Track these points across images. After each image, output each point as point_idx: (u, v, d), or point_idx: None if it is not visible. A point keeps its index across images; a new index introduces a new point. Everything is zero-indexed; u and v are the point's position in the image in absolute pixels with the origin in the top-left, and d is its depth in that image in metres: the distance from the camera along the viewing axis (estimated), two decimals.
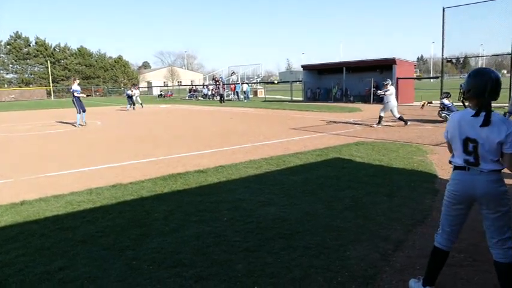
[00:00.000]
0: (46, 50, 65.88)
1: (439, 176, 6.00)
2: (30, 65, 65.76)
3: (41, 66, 65.31)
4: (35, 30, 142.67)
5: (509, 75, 18.17)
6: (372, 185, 5.57)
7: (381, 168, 6.66)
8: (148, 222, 4.31)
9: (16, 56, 64.16)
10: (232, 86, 35.04)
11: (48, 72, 61.78)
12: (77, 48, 69.93)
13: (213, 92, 37.42)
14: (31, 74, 65.70)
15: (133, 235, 3.95)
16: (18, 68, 65.47)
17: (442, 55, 18.71)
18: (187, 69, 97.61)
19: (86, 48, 70.35)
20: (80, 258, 3.48)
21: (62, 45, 68.87)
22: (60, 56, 67.15)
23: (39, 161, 8.26)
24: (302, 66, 30.91)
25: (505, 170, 2.47)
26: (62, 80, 65.93)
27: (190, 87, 47.28)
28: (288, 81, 38.68)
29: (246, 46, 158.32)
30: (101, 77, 69.07)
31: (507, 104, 9.59)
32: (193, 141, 10.38)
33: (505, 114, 17.69)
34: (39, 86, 61.45)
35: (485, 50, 20.85)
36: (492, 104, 2.44)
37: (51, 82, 60.77)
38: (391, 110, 12.29)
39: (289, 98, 30.85)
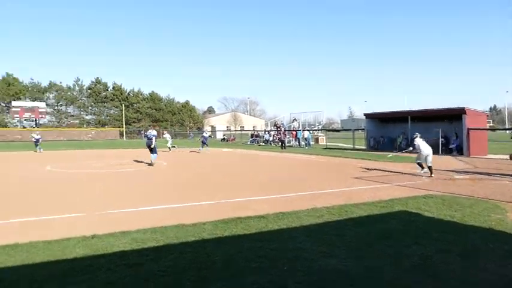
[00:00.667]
0: (121, 94, 71.62)
1: None
2: (107, 108, 71.58)
3: (116, 109, 70.78)
4: (113, 76, 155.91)
5: None
6: (443, 242, 5.19)
7: (453, 224, 6.21)
8: (209, 265, 4.32)
9: (95, 99, 70.34)
10: (294, 133, 35.28)
11: (122, 115, 66.65)
12: (149, 93, 75.17)
13: (274, 138, 37.97)
14: (107, 116, 71.32)
15: (194, 277, 3.97)
16: (97, 110, 71.52)
17: None
18: (250, 114, 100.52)
19: (156, 93, 75.44)
20: None
21: (136, 90, 74.54)
22: (133, 100, 72.45)
23: (109, 198, 8.75)
24: (365, 114, 30.51)
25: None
26: (134, 122, 70.72)
27: (252, 132, 48.38)
28: (350, 129, 38.25)
29: (308, 93, 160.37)
30: (168, 120, 73.08)
31: None
32: (254, 186, 10.46)
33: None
34: (113, 127, 66.23)
35: None
36: None
37: (124, 124, 65.30)
38: (425, 158, 12.40)
39: (351, 145, 30.33)
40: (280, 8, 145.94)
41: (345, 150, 27.12)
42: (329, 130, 49.02)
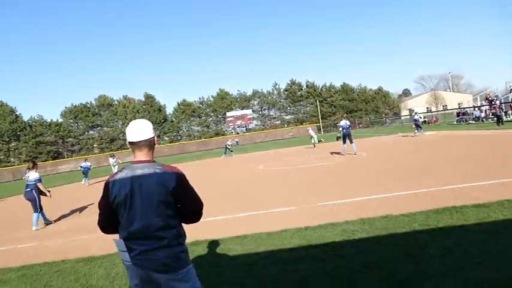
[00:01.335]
0: (315, 91, 74.66)
1: None
2: (303, 106, 75.80)
3: (311, 105, 74.25)
4: (306, 75, 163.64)
5: None
6: None
7: None
8: (424, 258, 4.13)
9: (292, 100, 75.41)
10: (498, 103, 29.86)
11: (317, 111, 69.42)
12: (340, 86, 75.93)
13: (487, 114, 32.91)
14: (304, 114, 75.51)
15: (408, 270, 3.86)
16: (294, 109, 76.60)
17: None
18: (453, 91, 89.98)
19: (348, 85, 75.57)
20: (359, 286, 3.66)
21: (327, 84, 76.39)
22: (326, 95, 74.53)
23: (315, 191, 9.27)
24: None
25: None
26: (329, 116, 72.71)
27: (458, 110, 43.20)
28: None
29: None
30: (363, 110, 72.22)
31: None
32: (469, 171, 9.34)
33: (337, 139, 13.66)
34: (310, 123, 69.60)
35: None
36: None
37: (320, 119, 67.86)
38: None
39: None
40: None
41: None
42: None
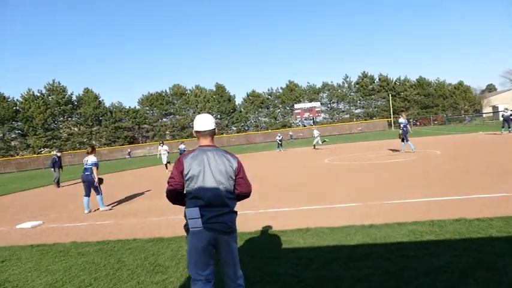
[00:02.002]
0: (388, 84, 71.65)
1: None
2: (374, 100, 73.17)
3: (383, 100, 71.46)
4: (379, 68, 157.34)
5: None
6: None
7: None
8: (498, 266, 3.83)
9: (363, 93, 73.12)
10: None
11: (389, 105, 66.60)
12: (416, 79, 72.05)
13: None
14: (375, 108, 72.90)
15: (480, 278, 3.60)
16: (365, 103, 74.25)
17: None
18: None
19: (424, 78, 71.48)
20: None
21: (402, 78, 72.88)
22: (400, 89, 71.24)
23: (383, 188, 8.95)
24: None
25: None
26: (402, 110, 69.40)
27: None
28: None
29: None
30: (439, 105, 68.00)
31: None
32: None
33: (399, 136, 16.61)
34: (381, 118, 67.06)
35: None
36: None
37: (391, 114, 65.08)
38: None
39: None
40: None
41: None
42: None
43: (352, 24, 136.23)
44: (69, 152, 58.81)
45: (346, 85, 75.10)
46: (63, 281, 4.64)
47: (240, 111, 75.35)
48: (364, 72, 74.17)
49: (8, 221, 9.55)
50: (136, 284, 4.31)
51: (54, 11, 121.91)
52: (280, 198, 9.07)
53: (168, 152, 21.30)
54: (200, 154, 3.08)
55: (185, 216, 3.02)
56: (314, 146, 29.43)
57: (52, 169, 18.20)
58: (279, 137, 32.72)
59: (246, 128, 75.59)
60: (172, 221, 7.55)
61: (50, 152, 60.69)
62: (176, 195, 3.10)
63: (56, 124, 65.88)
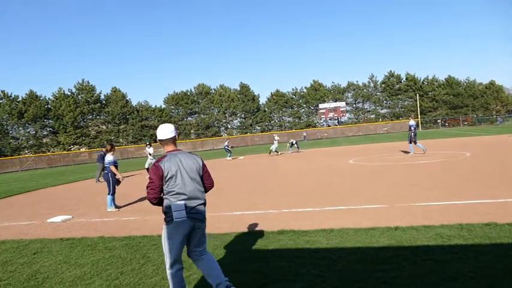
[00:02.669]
0: (415, 84, 70.00)
1: None
2: (401, 100, 71.65)
3: (410, 99, 69.92)
4: (406, 67, 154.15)
5: None
6: None
7: None
8: None
9: (389, 93, 71.74)
10: None
11: (416, 105, 65.13)
12: (445, 79, 70.19)
13: None
14: (401, 108, 71.42)
15: (510, 286, 3.49)
16: (391, 103, 72.83)
17: None
18: None
19: (453, 78, 69.54)
20: None
21: (430, 77, 71.12)
22: (428, 89, 69.56)
23: (408, 190, 8.77)
24: None
25: None
26: (429, 111, 67.85)
27: None
28: None
29: None
30: (469, 106, 66.04)
31: None
32: None
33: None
34: (407, 119, 65.61)
35: None
36: None
37: (419, 114, 63.63)
38: None
39: None
40: None
41: None
42: None
43: (378, 23, 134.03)
44: (98, 149, 60.24)
45: (372, 85, 73.87)
46: (91, 274, 4.77)
47: (264, 111, 75.33)
48: (391, 71, 72.76)
49: (40, 215, 9.91)
50: (161, 280, 4.38)
51: (83, 12, 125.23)
52: (304, 198, 9.03)
53: (152, 156, 18.18)
54: (172, 157, 3.63)
55: (167, 210, 3.58)
56: (270, 152, 28.32)
57: (98, 163, 18.51)
58: (292, 140, 30.22)
59: (270, 128, 75.50)
60: None
61: (79, 149, 62.42)
62: (158, 197, 3.62)
63: (85, 122, 67.58)
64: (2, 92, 61.70)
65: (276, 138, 29.08)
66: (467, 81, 69.70)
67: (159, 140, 3.78)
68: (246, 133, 69.94)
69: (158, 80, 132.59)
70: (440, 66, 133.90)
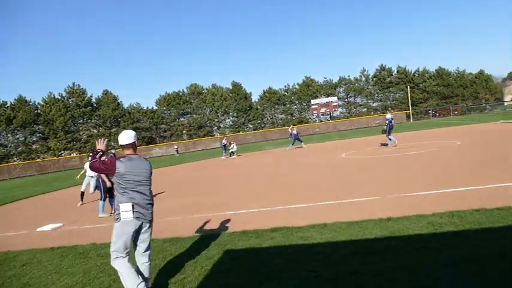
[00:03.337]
0: (406, 76, 70.31)
1: None
2: (392, 92, 71.95)
3: (401, 92, 70.20)
4: (397, 60, 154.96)
5: None
6: None
7: None
8: None
9: (381, 86, 72.01)
10: None
11: (407, 97, 65.43)
12: (435, 70, 70.55)
13: None
14: (392, 100, 71.72)
15: (502, 269, 3.51)
16: (382, 96, 73.08)
17: None
18: None
19: (444, 69, 69.93)
20: (445, 282, 3.43)
21: (421, 69, 71.45)
22: (419, 81, 69.89)
23: (400, 181, 8.81)
24: None
25: None
26: (420, 102, 68.24)
27: None
28: None
29: None
30: (459, 95, 66.50)
31: None
32: None
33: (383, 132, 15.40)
34: (399, 111, 65.95)
35: None
36: None
37: (410, 106, 63.95)
38: None
39: None
40: None
41: None
42: None
43: (368, 17, 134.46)
44: (89, 154, 59.76)
45: (363, 79, 74.05)
46: (83, 283, 4.70)
47: (257, 109, 75.25)
48: (382, 65, 73.00)
49: (29, 224, 9.73)
50: (155, 285, 4.35)
51: (70, 16, 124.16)
52: (297, 194, 9.03)
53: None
54: (129, 160, 3.98)
55: (117, 208, 3.92)
56: (230, 154, 28.36)
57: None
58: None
59: (262, 126, 75.45)
60: (189, 220, 7.60)
61: (70, 155, 61.90)
62: (103, 172, 4.53)
63: (75, 126, 67.01)
64: None
65: (225, 141, 29.80)
66: (457, 71, 70.13)
67: (120, 145, 4.08)
68: (239, 132, 69.83)
69: (150, 81, 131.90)
70: (432, 58, 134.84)
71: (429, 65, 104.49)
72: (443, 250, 4.14)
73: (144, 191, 4.02)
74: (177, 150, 55.48)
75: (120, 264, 3.87)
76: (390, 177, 9.62)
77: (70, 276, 5.01)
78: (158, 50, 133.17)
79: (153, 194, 12.02)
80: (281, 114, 76.04)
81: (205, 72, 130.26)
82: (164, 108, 74.06)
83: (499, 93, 68.65)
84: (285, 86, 76.46)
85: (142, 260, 4.10)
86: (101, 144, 4.41)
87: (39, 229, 8.77)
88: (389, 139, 18.73)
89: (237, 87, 74.52)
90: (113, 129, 68.06)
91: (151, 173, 4.18)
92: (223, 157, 28.43)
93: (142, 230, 4.02)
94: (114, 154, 8.33)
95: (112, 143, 65.91)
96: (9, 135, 62.11)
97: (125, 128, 67.15)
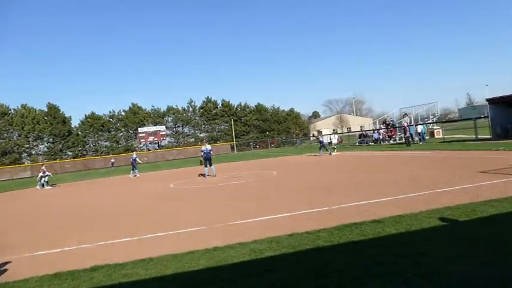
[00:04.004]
0: (230, 109, 75.58)
1: None
2: (218, 124, 76.11)
3: (226, 124, 74.88)
4: (222, 94, 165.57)
5: None
6: None
7: None
8: (326, 273, 4.28)
9: (207, 118, 75.36)
10: (405, 128, 33.24)
11: (231, 129, 70.18)
12: (255, 106, 77.88)
13: (384, 136, 36.37)
14: (218, 132, 75.80)
15: (312, 286, 3.96)
16: (209, 127, 76.54)
17: None
18: (356, 114, 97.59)
19: (262, 105, 77.82)
20: None
21: (243, 104, 77.85)
22: (241, 114, 75.84)
23: (227, 210, 9.23)
24: (487, 99, 27.31)
25: None
26: (243, 135, 73.96)
27: (360, 132, 46.83)
28: (471, 118, 34.69)
29: (418, 84, 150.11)
30: (275, 130, 74.70)
31: None
32: (367, 189, 10.08)
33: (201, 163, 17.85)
34: (224, 142, 70.01)
35: None
36: None
37: (234, 137, 68.67)
38: None
39: (474, 136, 27.44)
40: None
41: (466, 142, 24.67)
42: (445, 122, 45.11)
43: (195, 50, 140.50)
44: None
45: (191, 109, 76.37)
46: None
47: (77, 135, 69.15)
48: (208, 97, 76.86)
49: None
50: None
51: None
52: (121, 228, 8.50)
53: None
54: None
55: None
56: (43, 185, 25.32)
57: None
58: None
59: (84, 153, 69.53)
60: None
61: None
62: None
63: None
64: None
65: (43, 168, 26.63)
66: (273, 108, 78.96)
67: None
68: (55, 159, 62.65)
69: None
70: (252, 94, 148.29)
71: (250, 101, 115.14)
72: (263, 275, 4.44)
73: None
74: None
75: None
76: (215, 207, 9.98)
77: None
78: None
79: None
80: (106, 142, 71.68)
81: (14, 89, 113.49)
82: None
83: (306, 129, 79.85)
84: (110, 112, 72.84)
85: None
86: None
87: None
88: (207, 169, 19.28)
89: (53, 109, 67.28)
90: None
91: None
92: (130, 175, 26.84)
93: None
94: None
95: None
96: None
97: None
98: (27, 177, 52.06)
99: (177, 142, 74.79)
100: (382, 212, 7.02)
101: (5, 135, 64.02)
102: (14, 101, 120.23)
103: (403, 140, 32.18)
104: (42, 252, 6.91)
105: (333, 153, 27.82)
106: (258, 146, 69.91)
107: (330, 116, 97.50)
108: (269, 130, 74.56)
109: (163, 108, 75.10)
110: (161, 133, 67.41)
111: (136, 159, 27.48)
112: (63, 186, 26.26)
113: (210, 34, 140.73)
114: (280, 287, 4.03)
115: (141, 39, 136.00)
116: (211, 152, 19.50)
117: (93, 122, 69.69)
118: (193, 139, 75.36)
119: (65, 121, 67.91)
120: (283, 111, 79.26)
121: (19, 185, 33.44)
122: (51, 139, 66.58)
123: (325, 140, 33.68)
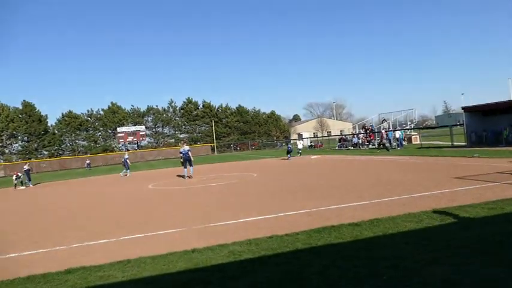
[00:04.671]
0: (211, 111, 75.26)
1: None
2: (198, 125, 75.71)
3: (206, 125, 74.54)
4: (203, 95, 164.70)
5: None
6: None
7: None
8: (304, 276, 4.29)
9: (188, 118, 74.86)
10: (384, 134, 33.81)
11: (212, 131, 69.90)
12: (236, 107, 77.79)
13: (363, 141, 36.92)
14: (199, 133, 75.38)
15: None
16: (189, 128, 76.03)
17: None
18: (336, 119, 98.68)
19: (243, 107, 77.79)
20: None
21: (224, 105, 77.67)
22: (222, 116, 75.63)
23: (206, 212, 9.17)
24: (463, 108, 28.07)
25: None
26: (224, 136, 73.72)
27: (340, 136, 47.34)
28: (447, 126, 35.55)
29: (396, 90, 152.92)
30: (256, 132, 74.77)
31: None
32: (346, 192, 10.20)
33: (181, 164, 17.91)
34: (205, 143, 69.66)
35: None
36: None
37: (214, 139, 68.41)
38: None
39: (449, 143, 28.13)
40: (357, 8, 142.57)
41: (442, 149, 25.25)
42: (423, 128, 46.08)
43: (176, 48, 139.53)
44: None
45: (171, 110, 75.73)
46: None
47: (54, 134, 67.62)
48: (189, 98, 76.40)
49: None
50: None
51: None
52: (98, 229, 8.35)
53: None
54: None
55: None
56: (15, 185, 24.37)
57: None
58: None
59: (60, 153, 68.01)
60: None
61: None
62: None
63: None
64: None
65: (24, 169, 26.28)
66: (254, 110, 79.05)
67: None
68: (30, 159, 61.08)
69: None
70: (233, 96, 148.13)
71: (231, 102, 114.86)
72: (241, 277, 4.42)
73: None
74: None
75: None
76: (195, 208, 9.90)
77: None
78: None
79: None
80: (83, 141, 70.35)
81: None
82: None
83: (287, 132, 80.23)
84: (89, 111, 71.56)
85: None
86: None
87: None
88: (186, 170, 19.25)
89: (29, 107, 65.65)
90: None
91: None
92: (121, 173, 27.26)
93: None
94: None
95: None
96: None
97: None
98: (1, 176, 50.58)
99: (156, 143, 74.03)
100: (360, 215, 7.11)
101: None
102: None
103: (377, 146, 32.69)
104: (14, 255, 6.72)
105: (291, 159, 27.93)
106: (238, 148, 69.85)
107: (310, 120, 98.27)
108: (250, 132, 74.61)
109: (143, 108, 74.36)
110: (141, 133, 66.60)
111: (127, 160, 28.37)
112: (40, 186, 25.63)
113: (191, 35, 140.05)
114: None
115: (122, 37, 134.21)
116: (189, 153, 19.33)
117: (70, 121, 68.30)
118: (173, 140, 74.72)
119: (41, 119, 66.35)
120: (264, 113, 79.45)
121: None
122: (25, 138, 64.94)
123: (299, 145, 34.16)
